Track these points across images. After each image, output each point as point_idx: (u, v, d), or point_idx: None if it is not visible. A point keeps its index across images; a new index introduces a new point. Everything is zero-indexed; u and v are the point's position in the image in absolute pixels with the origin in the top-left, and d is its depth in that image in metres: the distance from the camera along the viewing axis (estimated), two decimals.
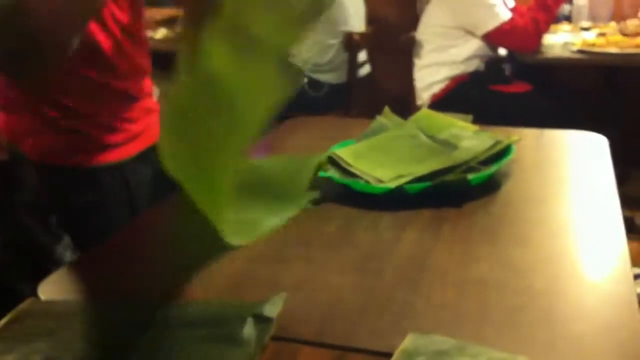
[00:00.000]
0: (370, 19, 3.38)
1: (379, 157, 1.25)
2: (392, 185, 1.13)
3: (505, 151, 1.26)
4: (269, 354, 0.73)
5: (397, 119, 1.45)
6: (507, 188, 1.22)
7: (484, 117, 2.01)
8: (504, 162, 1.23)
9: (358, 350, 0.74)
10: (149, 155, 1.35)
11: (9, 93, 1.24)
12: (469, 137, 1.31)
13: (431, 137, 1.32)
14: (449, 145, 1.28)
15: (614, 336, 0.76)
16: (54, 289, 0.91)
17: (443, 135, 1.33)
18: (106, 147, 1.27)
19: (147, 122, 1.39)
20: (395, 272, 0.92)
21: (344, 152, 1.25)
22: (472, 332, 0.78)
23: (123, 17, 1.26)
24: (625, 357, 0.71)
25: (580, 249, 0.99)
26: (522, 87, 2.76)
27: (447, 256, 0.97)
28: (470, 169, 1.20)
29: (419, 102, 2.88)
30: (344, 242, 1.03)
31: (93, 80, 1.26)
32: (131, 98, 1.34)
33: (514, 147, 1.28)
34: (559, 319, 0.80)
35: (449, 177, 1.16)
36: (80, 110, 1.25)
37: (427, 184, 1.13)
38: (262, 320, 0.76)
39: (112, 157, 1.28)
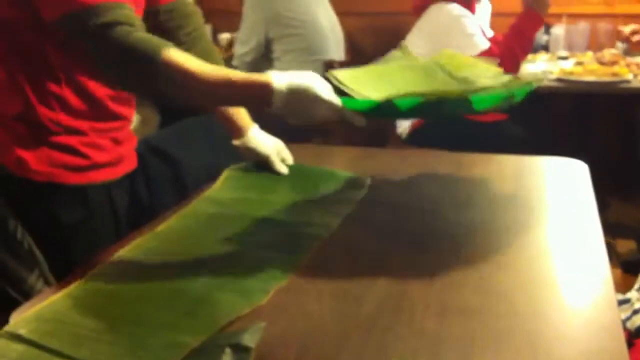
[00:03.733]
0: (350, 48, 3.40)
1: (381, 82, 1.19)
2: (379, 99, 1.07)
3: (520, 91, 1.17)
4: None
5: (413, 55, 1.41)
6: (488, 214, 1.22)
7: (462, 145, 2.02)
8: (514, 92, 1.14)
9: None
10: (126, 182, 1.33)
11: None
12: (489, 77, 1.25)
13: (449, 74, 1.26)
14: (467, 82, 1.22)
15: None
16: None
17: (463, 73, 1.27)
18: (95, 167, 1.26)
19: (131, 146, 1.38)
20: (376, 299, 0.91)
21: (343, 74, 1.20)
22: (456, 357, 0.76)
23: None
24: None
25: (563, 275, 0.98)
26: (499, 115, 2.77)
27: (428, 282, 0.95)
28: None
29: (399, 130, 2.88)
30: (323, 270, 1.01)
31: (94, 98, 1.26)
32: (123, 120, 1.34)
33: (533, 87, 1.18)
34: (543, 344, 0.79)
35: (448, 96, 1.09)
36: (75, 127, 1.24)
37: (419, 99, 1.06)
38: (240, 350, 0.74)
39: (100, 176, 1.26)
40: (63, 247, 1.23)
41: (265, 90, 1.08)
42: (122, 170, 1.34)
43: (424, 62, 1.33)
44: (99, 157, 1.28)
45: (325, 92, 1.09)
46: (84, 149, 1.26)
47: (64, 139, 1.23)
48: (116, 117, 1.32)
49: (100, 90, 1.26)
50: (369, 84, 1.17)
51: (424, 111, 1.12)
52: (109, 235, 1.25)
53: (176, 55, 1.06)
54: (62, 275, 1.06)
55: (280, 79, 1.09)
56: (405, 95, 1.06)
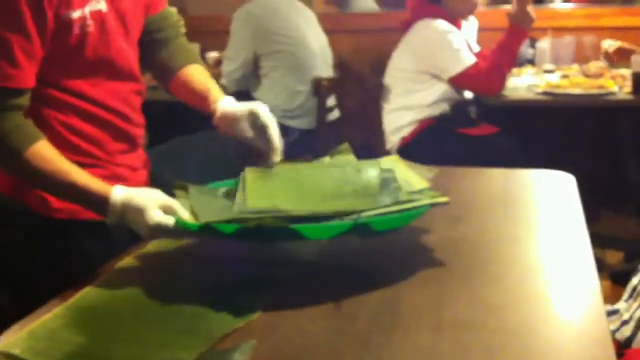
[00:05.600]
0: (338, 65, 3.42)
1: (283, 191, 1.15)
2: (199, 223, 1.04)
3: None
4: None
5: (343, 160, 1.29)
6: (478, 228, 1.22)
7: (453, 159, 2.03)
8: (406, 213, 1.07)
9: None
10: None
11: None
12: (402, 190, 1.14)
13: (364, 188, 1.15)
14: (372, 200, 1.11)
15: None
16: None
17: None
18: None
19: (146, 172, 1.40)
20: (369, 315, 0.91)
21: (252, 175, 1.19)
22: None
23: None
24: None
25: (553, 287, 0.99)
26: (488, 129, 2.79)
27: (420, 297, 0.96)
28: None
29: (388, 146, 2.89)
30: (315, 286, 1.01)
31: (113, 125, 1.29)
32: (134, 140, 1.36)
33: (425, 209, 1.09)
34: (536, 358, 0.79)
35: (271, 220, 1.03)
36: (94, 153, 1.26)
37: (236, 226, 1.01)
38: None
39: None
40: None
41: (102, 202, 1.10)
42: None
43: (343, 173, 1.21)
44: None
45: (158, 214, 1.05)
46: (105, 182, 1.26)
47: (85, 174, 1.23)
48: (128, 137, 1.33)
49: (106, 113, 1.28)
50: (264, 191, 1.15)
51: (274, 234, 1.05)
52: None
53: (41, 152, 1.12)
54: None
55: (118, 195, 1.10)
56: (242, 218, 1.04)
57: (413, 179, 1.19)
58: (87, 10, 1.18)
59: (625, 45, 2.99)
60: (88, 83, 1.24)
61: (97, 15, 1.20)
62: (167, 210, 1.07)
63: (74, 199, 1.15)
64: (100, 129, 1.27)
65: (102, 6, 1.21)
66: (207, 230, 1.02)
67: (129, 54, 1.31)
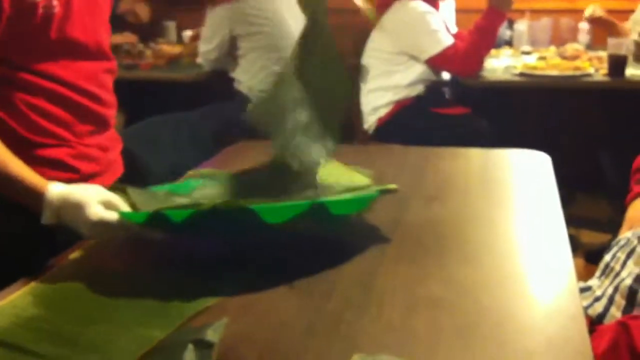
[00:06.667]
0: None
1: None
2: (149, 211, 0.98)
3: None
4: None
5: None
6: (453, 207, 1.22)
7: (428, 139, 2.03)
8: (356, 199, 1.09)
9: None
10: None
11: None
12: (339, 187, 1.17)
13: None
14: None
15: (561, 350, 0.76)
16: None
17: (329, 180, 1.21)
18: (86, 178, 1.24)
19: (117, 151, 1.38)
20: (342, 293, 0.91)
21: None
22: (422, 351, 0.76)
23: None
24: None
25: (527, 265, 0.99)
26: (460, 110, 2.80)
27: (394, 276, 0.95)
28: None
29: (365, 126, 2.89)
30: (289, 265, 1.01)
31: (81, 106, 1.25)
32: (107, 126, 1.33)
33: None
34: (509, 336, 0.79)
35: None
36: (61, 134, 1.23)
37: (189, 211, 0.95)
38: (203, 346, 0.73)
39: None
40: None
41: (37, 197, 1.03)
42: (111, 179, 1.32)
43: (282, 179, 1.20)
44: (88, 167, 1.26)
45: (99, 210, 0.99)
46: (72, 162, 1.23)
47: (51, 152, 1.21)
48: (97, 118, 1.30)
49: (75, 93, 1.25)
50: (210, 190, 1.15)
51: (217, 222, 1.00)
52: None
53: None
54: None
55: (54, 190, 1.03)
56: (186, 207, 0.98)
57: (356, 177, 1.20)
58: None
59: (607, 17, 3.01)
60: (55, 64, 1.21)
61: None
62: (109, 205, 1.01)
63: (8, 192, 1.08)
64: (68, 110, 1.25)
65: None
66: (156, 219, 0.96)
67: (98, 32, 1.29)
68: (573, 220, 2.91)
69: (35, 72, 1.19)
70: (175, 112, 2.93)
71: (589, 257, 2.53)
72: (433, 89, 2.83)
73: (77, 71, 1.25)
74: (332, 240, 1.09)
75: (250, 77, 3.07)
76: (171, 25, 3.91)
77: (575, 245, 2.73)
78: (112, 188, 1.07)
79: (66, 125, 1.25)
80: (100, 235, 1.04)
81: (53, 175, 1.14)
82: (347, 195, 1.09)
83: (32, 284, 0.95)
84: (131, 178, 1.42)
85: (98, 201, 1.00)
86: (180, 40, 3.75)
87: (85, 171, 1.27)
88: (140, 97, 2.96)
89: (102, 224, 0.99)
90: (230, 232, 1.03)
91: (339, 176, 1.27)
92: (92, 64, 1.28)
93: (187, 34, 3.68)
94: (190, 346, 0.73)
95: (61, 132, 1.24)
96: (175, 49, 3.55)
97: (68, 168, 1.24)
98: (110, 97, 1.34)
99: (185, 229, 0.98)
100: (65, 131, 1.25)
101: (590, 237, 2.82)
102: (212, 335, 0.75)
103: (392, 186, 1.13)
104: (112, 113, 1.36)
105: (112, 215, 0.99)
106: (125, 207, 1.02)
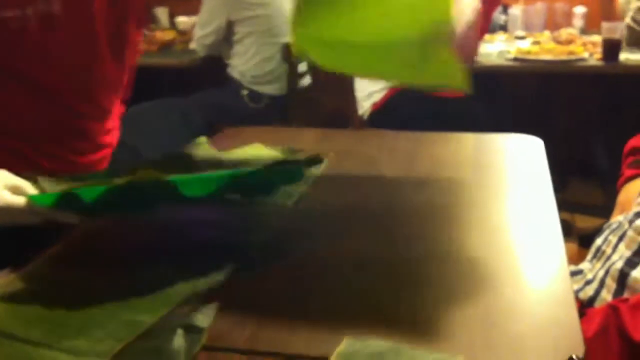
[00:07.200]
0: None
1: None
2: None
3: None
4: None
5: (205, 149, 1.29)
6: (444, 191, 1.22)
7: (423, 124, 2.02)
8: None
9: (293, 357, 0.71)
10: None
11: None
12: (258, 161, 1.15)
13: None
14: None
15: (551, 333, 0.76)
16: None
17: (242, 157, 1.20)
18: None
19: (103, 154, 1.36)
20: (333, 277, 0.90)
21: None
22: (411, 335, 0.76)
23: None
24: (562, 352, 0.70)
25: (518, 249, 0.99)
26: (455, 92, 2.80)
27: (387, 259, 0.95)
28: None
29: (360, 111, 2.88)
30: (280, 249, 1.00)
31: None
32: (86, 138, 1.30)
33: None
34: (497, 319, 0.79)
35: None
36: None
37: (103, 188, 0.88)
38: (193, 331, 0.73)
39: None
40: None
41: None
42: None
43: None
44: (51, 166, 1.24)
45: (6, 194, 0.94)
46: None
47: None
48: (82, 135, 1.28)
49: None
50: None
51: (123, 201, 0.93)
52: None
53: None
54: None
55: None
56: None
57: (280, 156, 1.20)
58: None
59: None
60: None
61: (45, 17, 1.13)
62: (15, 191, 0.95)
63: None
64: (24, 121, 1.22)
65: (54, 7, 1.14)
66: (67, 200, 0.89)
67: (87, 67, 1.25)
68: (567, 204, 2.93)
69: None
70: (167, 98, 2.93)
71: (582, 241, 2.54)
72: None
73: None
74: (322, 223, 1.09)
75: (243, 62, 3.06)
76: (163, 12, 3.89)
77: (569, 230, 2.74)
78: (22, 175, 1.01)
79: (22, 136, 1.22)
80: (11, 221, 0.96)
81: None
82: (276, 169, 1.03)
83: (19, 272, 0.94)
84: (121, 164, 1.42)
85: (3, 186, 0.95)
86: (172, 26, 3.73)
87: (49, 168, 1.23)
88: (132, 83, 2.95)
89: (8, 210, 0.93)
90: (151, 208, 0.97)
91: (259, 154, 1.25)
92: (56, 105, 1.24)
93: (180, 20, 3.67)
94: (180, 331, 0.73)
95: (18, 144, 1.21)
96: (168, 35, 3.53)
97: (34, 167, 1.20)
98: (95, 110, 1.31)
99: (102, 209, 0.92)
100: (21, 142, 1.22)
101: (584, 222, 2.83)
102: (201, 320, 0.75)
103: (323, 158, 1.10)
104: (94, 126, 1.32)
105: (20, 200, 0.94)
106: (35, 192, 0.97)
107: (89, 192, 0.87)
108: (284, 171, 1.05)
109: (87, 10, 1.21)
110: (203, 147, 1.31)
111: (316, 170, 1.30)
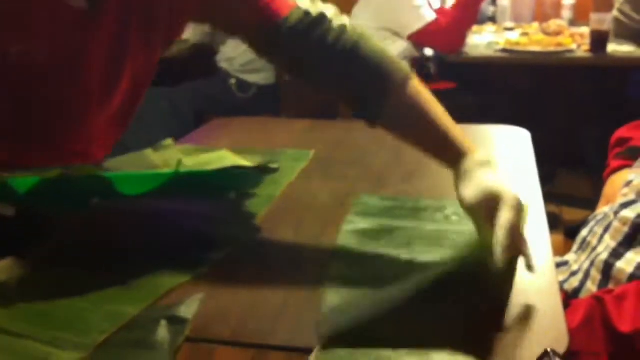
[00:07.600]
0: None
1: None
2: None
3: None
4: (184, 356, 0.70)
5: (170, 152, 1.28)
6: (431, 182, 1.22)
7: None
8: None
9: (276, 348, 0.71)
10: None
11: None
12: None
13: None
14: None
15: (536, 324, 0.76)
16: None
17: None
18: None
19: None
20: (319, 268, 0.90)
21: None
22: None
23: None
24: (547, 343, 0.70)
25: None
26: (446, 84, 2.80)
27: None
28: None
29: None
30: (265, 239, 1.00)
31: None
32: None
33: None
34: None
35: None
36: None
37: (36, 179, 0.85)
38: (176, 322, 0.73)
39: None
40: None
41: None
42: None
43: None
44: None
45: None
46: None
47: None
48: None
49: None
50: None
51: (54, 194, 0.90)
52: None
53: None
54: None
55: None
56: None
57: (243, 161, 1.17)
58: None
59: None
60: None
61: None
62: None
63: None
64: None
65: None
66: (1, 191, 0.86)
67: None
68: (554, 197, 2.94)
69: None
70: (155, 88, 2.91)
71: (569, 233, 2.55)
72: (418, 64, 2.82)
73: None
74: (308, 213, 1.09)
75: (232, 49, 3.06)
76: None
77: (556, 222, 2.75)
78: None
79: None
80: None
81: None
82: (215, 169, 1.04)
83: (2, 264, 0.93)
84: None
85: None
86: None
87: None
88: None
89: None
90: (85, 203, 0.93)
91: (222, 160, 1.22)
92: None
93: None
94: (164, 322, 0.72)
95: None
96: None
97: None
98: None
99: (35, 201, 0.89)
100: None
101: (572, 214, 2.84)
102: (185, 311, 0.75)
103: (274, 165, 1.09)
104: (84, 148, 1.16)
105: None
106: None
107: (22, 183, 0.85)
108: (233, 176, 1.05)
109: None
110: (169, 149, 1.29)
111: (304, 162, 1.30)
